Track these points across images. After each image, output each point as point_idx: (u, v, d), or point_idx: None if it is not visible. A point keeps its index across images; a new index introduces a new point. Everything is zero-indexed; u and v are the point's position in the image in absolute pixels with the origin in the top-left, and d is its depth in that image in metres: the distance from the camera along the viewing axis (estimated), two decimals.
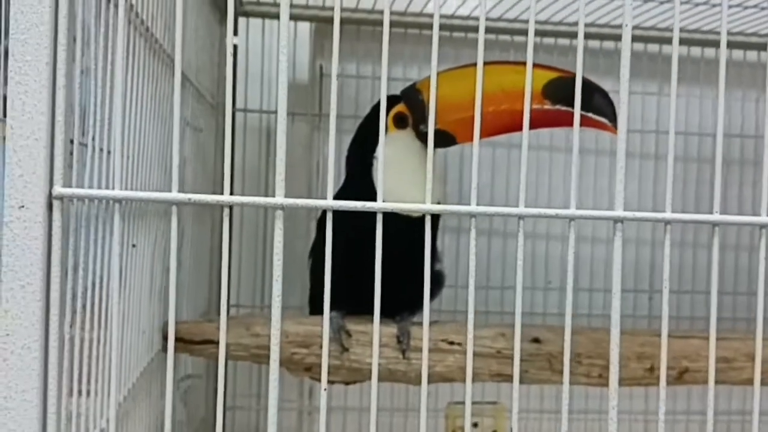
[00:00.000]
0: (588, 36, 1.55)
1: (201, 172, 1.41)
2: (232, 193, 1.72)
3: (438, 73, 1.21)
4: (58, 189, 0.53)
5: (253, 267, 1.63)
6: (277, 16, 1.58)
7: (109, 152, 0.68)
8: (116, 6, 0.60)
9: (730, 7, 1.35)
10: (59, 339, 0.54)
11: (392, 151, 1.19)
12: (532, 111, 1.11)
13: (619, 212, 0.61)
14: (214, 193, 1.57)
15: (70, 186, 0.55)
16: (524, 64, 1.13)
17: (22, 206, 0.52)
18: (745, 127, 1.64)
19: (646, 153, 1.63)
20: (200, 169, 1.42)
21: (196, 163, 1.40)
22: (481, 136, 1.20)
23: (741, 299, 1.65)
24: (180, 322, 1.24)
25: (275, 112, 1.62)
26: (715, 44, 1.59)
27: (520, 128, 1.17)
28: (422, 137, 1.20)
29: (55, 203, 0.54)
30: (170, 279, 0.56)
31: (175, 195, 0.56)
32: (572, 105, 1.11)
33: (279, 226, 0.59)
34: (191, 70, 1.30)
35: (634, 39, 1.60)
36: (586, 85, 1.12)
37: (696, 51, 1.60)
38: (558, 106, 1.12)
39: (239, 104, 1.65)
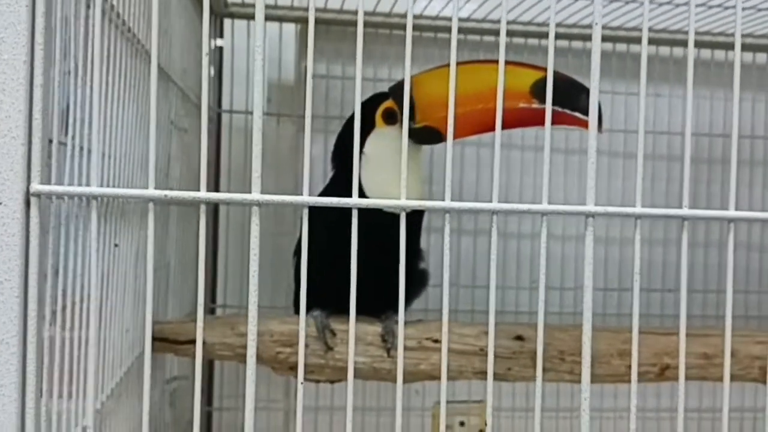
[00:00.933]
0: (567, 36, 1.58)
1: (186, 173, 1.41)
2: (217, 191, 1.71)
3: (426, 71, 1.24)
4: (36, 186, 0.54)
5: (239, 267, 1.63)
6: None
7: (90, 151, 0.68)
8: (93, 5, 0.60)
9: (696, 6, 1.37)
10: (38, 335, 0.55)
11: (380, 147, 1.20)
12: (520, 110, 1.15)
13: (590, 207, 0.62)
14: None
15: (48, 183, 0.56)
16: (512, 63, 1.16)
17: (0, 203, 0.53)
18: (714, 126, 1.67)
19: (615, 151, 1.64)
20: (186, 169, 1.42)
21: (182, 164, 1.41)
22: (470, 133, 1.23)
23: (723, 297, 1.67)
24: (165, 322, 1.24)
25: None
26: (683, 44, 1.61)
27: (509, 125, 1.20)
28: (411, 133, 1.21)
29: (33, 200, 0.54)
30: (147, 277, 0.57)
31: (151, 192, 0.57)
32: (560, 104, 1.14)
33: (255, 222, 0.59)
34: (176, 71, 1.31)
35: (613, 39, 1.62)
36: (575, 85, 1.14)
37: (665, 50, 1.63)
38: (545, 105, 1.13)
39: (225, 105, 1.65)
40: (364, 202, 0.64)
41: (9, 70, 0.53)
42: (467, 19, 1.59)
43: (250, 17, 1.62)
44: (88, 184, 0.58)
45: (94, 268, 0.57)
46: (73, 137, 0.68)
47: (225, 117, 1.66)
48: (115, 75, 0.79)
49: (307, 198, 0.61)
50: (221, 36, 1.66)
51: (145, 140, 1.00)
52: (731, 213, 0.62)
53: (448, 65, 1.20)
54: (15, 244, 0.54)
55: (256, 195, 0.60)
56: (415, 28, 1.66)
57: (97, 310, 0.59)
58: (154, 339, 1.22)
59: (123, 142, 0.92)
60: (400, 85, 1.23)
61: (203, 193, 0.59)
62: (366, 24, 1.68)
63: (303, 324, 0.65)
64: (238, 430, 1.67)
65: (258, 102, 0.60)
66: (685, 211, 0.62)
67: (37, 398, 0.55)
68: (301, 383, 0.63)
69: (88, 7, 0.67)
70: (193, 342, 1.22)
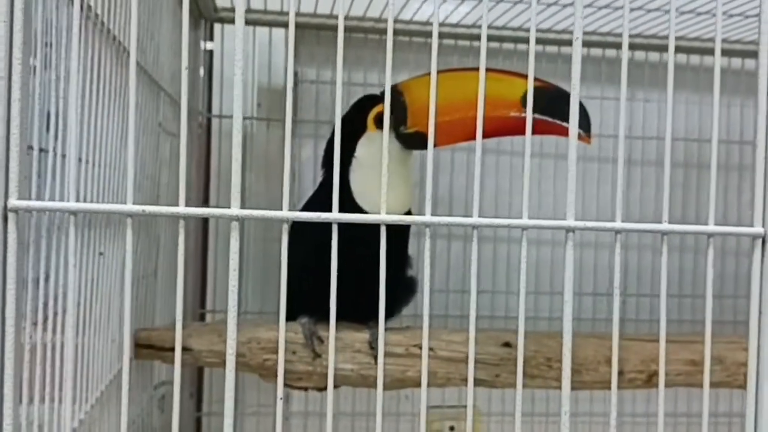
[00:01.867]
0: (557, 42, 1.59)
1: (176, 178, 1.41)
2: (207, 200, 1.71)
3: (419, 77, 1.24)
4: (13, 201, 0.54)
5: (227, 272, 1.63)
6: (252, 23, 1.61)
7: (80, 160, 0.68)
8: (72, 13, 0.60)
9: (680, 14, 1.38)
10: (16, 347, 0.54)
11: (371, 151, 1.20)
12: (512, 119, 1.15)
13: (570, 222, 0.62)
14: (188, 198, 1.57)
15: (26, 198, 0.55)
16: (506, 72, 1.16)
17: None
18: (689, 131, 1.68)
19: (605, 157, 1.65)
20: (175, 174, 1.42)
21: (171, 168, 1.41)
22: (461, 140, 1.23)
23: (701, 302, 1.67)
24: (152, 329, 1.24)
25: (250, 117, 1.65)
26: (659, 48, 1.62)
27: (499, 134, 1.20)
28: (402, 138, 1.21)
29: (10, 215, 0.54)
30: (125, 291, 0.57)
31: (129, 207, 0.57)
32: (551, 114, 1.14)
33: (235, 237, 0.59)
34: (165, 76, 1.31)
35: (589, 44, 1.62)
36: (564, 95, 1.14)
37: (654, 56, 1.63)
38: (536, 115, 1.14)
39: (215, 110, 1.65)
40: (344, 217, 0.64)
41: None
42: (457, 25, 1.59)
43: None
44: (66, 199, 0.58)
45: (72, 283, 0.57)
46: (55, 147, 0.68)
47: (215, 121, 1.66)
48: (98, 83, 0.79)
49: (287, 213, 0.61)
50: (211, 39, 1.65)
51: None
52: (711, 228, 0.63)
53: (440, 71, 1.20)
54: None
55: (235, 210, 0.60)
56: (405, 33, 1.67)
57: (75, 324, 0.58)
58: (142, 346, 1.23)
59: (109, 150, 0.92)
60: (393, 89, 1.22)
61: (182, 209, 0.59)
62: (356, 29, 1.69)
63: (282, 333, 0.64)
64: None
65: (237, 118, 0.60)
66: (665, 226, 0.62)
67: (16, 406, 0.55)
68: (280, 398, 0.62)
69: (67, 12, 0.67)
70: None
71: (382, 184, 0.64)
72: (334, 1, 1.49)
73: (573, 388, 1.26)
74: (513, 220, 0.62)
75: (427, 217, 0.62)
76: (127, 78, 0.95)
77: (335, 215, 0.63)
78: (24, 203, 0.54)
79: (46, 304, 0.69)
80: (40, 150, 0.63)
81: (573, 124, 0.63)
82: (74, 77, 0.55)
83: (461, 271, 1.64)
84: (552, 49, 1.59)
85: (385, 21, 1.58)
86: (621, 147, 0.61)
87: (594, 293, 1.66)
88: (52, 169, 0.67)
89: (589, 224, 0.61)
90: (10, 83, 0.53)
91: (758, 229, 0.62)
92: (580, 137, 1.14)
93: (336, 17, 1.58)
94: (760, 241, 0.63)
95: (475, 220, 0.62)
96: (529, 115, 0.65)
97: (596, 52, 1.62)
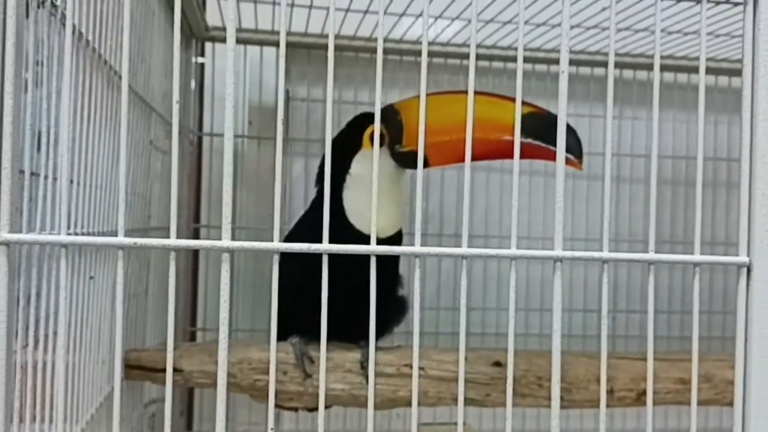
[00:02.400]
0: (545, 61, 1.60)
1: (166, 194, 1.41)
2: (198, 219, 1.71)
3: (415, 97, 1.24)
4: (4, 235, 0.54)
5: (217, 291, 1.63)
6: (242, 42, 1.62)
7: (71, 182, 0.68)
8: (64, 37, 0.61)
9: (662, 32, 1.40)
10: (6, 375, 0.54)
11: (365, 168, 1.20)
12: (505, 142, 1.16)
13: (558, 252, 0.62)
14: (179, 216, 1.57)
15: (17, 231, 0.56)
16: (500, 96, 1.17)
17: None
18: (676, 148, 1.69)
19: (596, 175, 1.66)
20: (165, 191, 1.42)
21: (162, 184, 1.41)
22: (455, 161, 1.24)
23: (689, 318, 1.68)
24: (141, 350, 1.24)
25: (241, 135, 1.65)
26: (646, 67, 1.64)
27: (492, 157, 1.21)
28: (397, 156, 1.22)
29: (1, 248, 0.54)
30: (117, 318, 0.57)
31: (121, 240, 0.57)
32: (543, 139, 1.15)
33: (225, 269, 0.60)
34: (155, 96, 1.31)
35: (583, 64, 1.64)
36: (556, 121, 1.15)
37: (642, 75, 1.65)
38: (529, 140, 1.15)
39: (206, 128, 1.66)
40: (335, 248, 0.64)
41: None
42: (447, 44, 1.60)
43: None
44: (58, 230, 0.58)
45: (63, 309, 0.57)
46: (46, 169, 0.68)
47: (206, 140, 1.66)
48: (89, 105, 0.79)
49: (278, 245, 0.61)
50: (203, 55, 1.66)
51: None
52: (697, 258, 0.63)
53: (438, 93, 1.22)
54: None
55: (226, 242, 0.60)
56: (396, 52, 1.68)
57: (66, 345, 0.58)
58: (132, 367, 1.22)
59: (99, 171, 0.92)
60: (390, 107, 1.24)
61: (173, 241, 0.59)
62: (347, 48, 1.70)
63: (274, 359, 0.65)
64: None
65: (228, 149, 0.61)
66: (651, 255, 0.63)
67: (7, 426, 0.55)
68: (271, 429, 0.63)
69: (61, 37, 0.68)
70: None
71: (373, 205, 0.64)
72: (325, 20, 1.50)
73: (563, 407, 1.27)
74: (502, 250, 0.62)
75: (417, 248, 0.62)
76: (116, 99, 0.96)
77: (326, 246, 0.64)
78: (15, 236, 0.54)
79: (37, 326, 0.69)
80: (32, 174, 0.63)
81: (560, 153, 0.64)
82: (65, 101, 0.55)
83: (452, 288, 1.65)
84: (541, 67, 1.60)
85: (376, 40, 1.59)
86: (607, 177, 0.62)
87: (585, 309, 1.67)
88: (43, 192, 0.68)
89: (577, 254, 0.62)
90: (1, 102, 0.53)
91: (743, 258, 0.63)
92: (570, 162, 1.16)
93: (327, 36, 1.59)
94: (745, 270, 0.63)
95: (464, 250, 0.62)
96: (517, 139, 0.66)
97: (585, 70, 1.63)
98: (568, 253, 0.62)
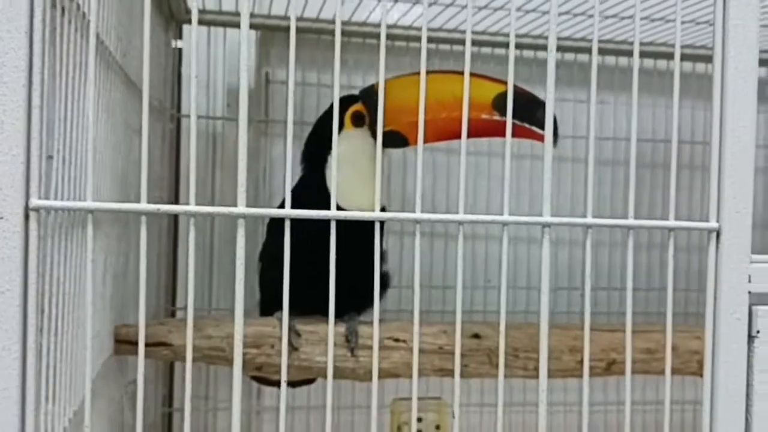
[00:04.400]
0: (526, 47, 1.65)
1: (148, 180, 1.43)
2: (177, 200, 1.73)
3: (395, 78, 1.28)
4: (35, 201, 0.57)
5: (199, 270, 1.66)
6: (221, 24, 1.64)
7: (68, 162, 0.71)
8: (83, 33, 0.63)
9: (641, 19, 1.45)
10: (36, 341, 0.58)
11: (347, 148, 1.24)
12: (482, 121, 1.20)
13: (546, 218, 0.68)
14: (159, 197, 1.59)
15: (46, 198, 0.59)
16: (477, 75, 1.21)
17: (2, 218, 0.56)
18: (656, 132, 1.76)
19: (578, 157, 1.73)
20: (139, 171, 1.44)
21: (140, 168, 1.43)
22: (433, 140, 1.28)
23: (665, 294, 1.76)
24: (130, 325, 1.27)
25: (220, 117, 1.68)
26: (627, 53, 1.70)
27: (470, 135, 1.25)
28: (377, 136, 1.26)
29: (32, 214, 0.57)
30: (141, 282, 0.61)
31: (145, 206, 0.60)
32: (519, 118, 1.20)
33: (241, 234, 0.64)
34: (138, 76, 1.33)
35: (568, 50, 1.70)
36: (532, 99, 1.20)
37: (624, 61, 1.72)
38: (505, 118, 1.19)
39: (184, 110, 1.68)
40: (342, 215, 0.68)
41: (9, 92, 0.56)
42: (438, 29, 1.64)
43: (210, 23, 1.65)
44: (78, 198, 0.61)
45: (90, 281, 0.61)
46: (59, 151, 0.71)
47: (184, 121, 1.68)
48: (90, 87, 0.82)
49: (290, 211, 0.65)
50: (180, 38, 1.68)
51: (113, 147, 1.03)
52: (671, 223, 0.69)
53: (416, 73, 1.26)
54: (16, 257, 0.57)
55: (242, 208, 0.64)
56: (387, 37, 1.71)
57: (92, 322, 0.62)
58: (121, 341, 1.25)
59: (96, 152, 0.95)
60: (368, 89, 1.28)
61: (192, 207, 0.63)
62: (326, 32, 1.72)
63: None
64: (200, 430, 1.70)
65: (243, 121, 0.64)
66: (631, 221, 0.69)
67: (37, 402, 0.58)
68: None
69: (71, 25, 0.71)
70: (159, 344, 1.26)
71: (372, 177, 0.68)
72: (305, 4, 1.53)
73: (537, 377, 1.34)
74: (495, 216, 0.67)
75: (417, 214, 0.67)
76: (108, 76, 0.98)
77: (333, 213, 0.68)
78: (45, 202, 0.58)
79: (50, 301, 0.72)
80: (48, 157, 0.66)
81: (548, 129, 0.69)
82: (91, 93, 0.58)
83: (442, 268, 1.70)
84: (528, 53, 1.65)
85: (358, 24, 1.62)
86: (591, 148, 0.67)
87: (569, 287, 1.73)
88: (56, 175, 0.70)
89: (564, 220, 0.67)
90: (30, 90, 0.56)
91: (713, 224, 0.69)
92: (537, 136, 1.21)
93: (307, 20, 1.62)
94: (714, 235, 0.69)
95: (461, 216, 0.67)
96: (509, 121, 0.70)
97: (570, 56, 1.69)
98: (555, 219, 0.67)
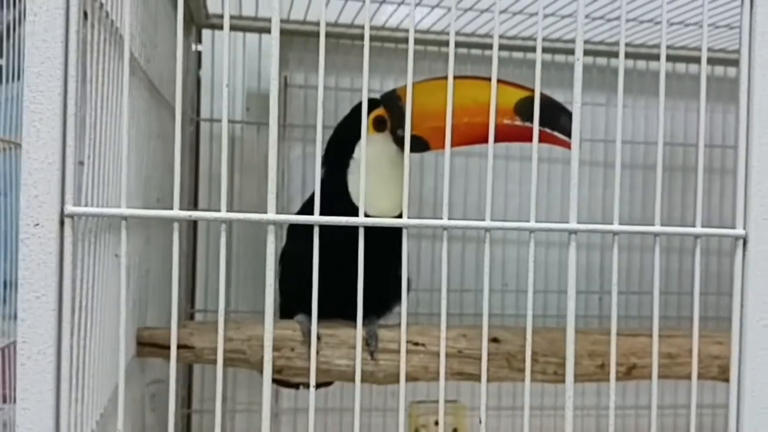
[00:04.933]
0: (554, 51, 1.65)
1: (168, 180, 1.44)
2: (197, 203, 1.75)
3: (417, 83, 1.29)
4: (70, 207, 0.58)
5: (218, 272, 1.66)
6: (241, 29, 1.65)
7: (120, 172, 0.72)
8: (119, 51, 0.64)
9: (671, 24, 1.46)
10: (70, 345, 0.59)
11: (369, 153, 1.25)
12: (505, 126, 1.21)
13: (573, 225, 0.68)
14: (180, 201, 1.59)
15: (79, 205, 0.60)
16: (500, 81, 1.21)
17: (38, 224, 0.57)
18: (674, 135, 1.76)
19: (596, 161, 1.73)
20: (167, 177, 1.45)
21: (164, 172, 1.44)
22: (455, 145, 1.28)
23: (686, 299, 1.75)
24: (154, 328, 1.28)
25: (239, 121, 1.69)
26: (651, 57, 1.69)
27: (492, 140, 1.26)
28: (399, 141, 1.26)
29: (67, 221, 0.58)
30: (173, 287, 0.61)
31: (177, 213, 0.61)
32: (542, 123, 1.19)
33: (271, 240, 0.64)
34: (160, 81, 1.35)
35: (585, 53, 1.70)
36: (554, 105, 1.20)
37: (642, 64, 1.71)
38: (527, 123, 1.20)
39: (205, 114, 1.69)
40: (370, 222, 0.69)
41: (46, 100, 0.57)
42: (457, 33, 1.65)
43: (230, 28, 1.66)
44: (108, 204, 0.62)
45: (124, 286, 0.62)
46: (89, 157, 0.72)
47: (205, 125, 1.69)
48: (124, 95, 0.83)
49: (318, 218, 0.66)
50: (200, 42, 1.69)
51: (138, 152, 1.04)
52: (698, 230, 0.70)
53: (437, 78, 1.26)
54: (51, 262, 0.58)
55: (272, 215, 0.65)
56: (399, 41, 1.72)
57: (126, 326, 0.63)
58: (145, 344, 1.26)
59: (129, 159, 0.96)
60: (389, 94, 1.28)
61: (223, 213, 0.64)
62: (344, 36, 1.73)
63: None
64: None
65: (272, 133, 0.65)
66: (658, 228, 0.69)
67: (71, 405, 0.59)
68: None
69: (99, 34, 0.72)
70: (182, 347, 1.27)
71: (397, 185, 0.69)
72: (324, 9, 1.54)
73: (557, 381, 1.34)
74: (522, 223, 0.68)
75: (445, 221, 0.68)
76: (136, 86, 0.99)
77: (362, 219, 0.68)
78: (80, 209, 0.58)
79: (81, 306, 0.72)
80: (79, 163, 0.67)
81: (575, 135, 0.69)
82: (126, 106, 0.59)
83: (459, 271, 1.70)
84: (546, 56, 1.65)
85: (376, 28, 1.63)
86: (618, 153, 0.68)
87: (587, 291, 1.73)
88: (86, 178, 0.71)
89: (590, 227, 0.68)
90: (65, 99, 0.57)
91: (740, 231, 0.69)
92: (568, 145, 1.21)
93: (326, 24, 1.62)
94: (741, 242, 0.70)
95: (488, 223, 0.68)
96: (536, 127, 0.71)
97: (588, 60, 1.69)
98: (582, 226, 0.67)
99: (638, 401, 1.74)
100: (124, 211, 0.60)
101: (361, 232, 0.72)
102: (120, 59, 0.79)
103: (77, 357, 0.68)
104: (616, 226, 0.68)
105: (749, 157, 0.69)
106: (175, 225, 0.62)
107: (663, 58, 0.68)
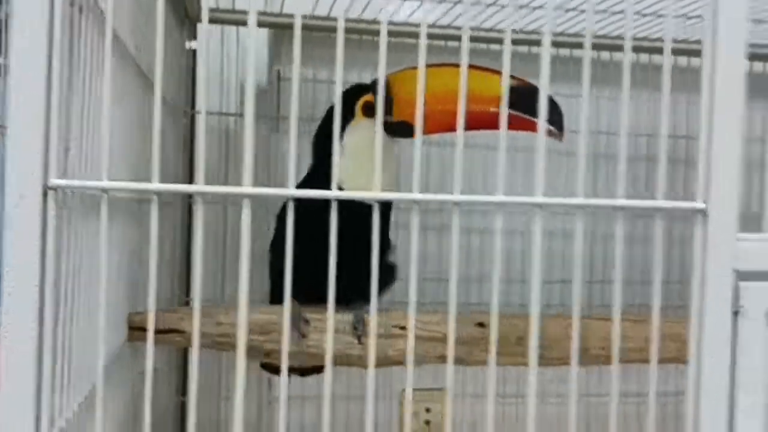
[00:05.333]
0: (521, 42, 1.68)
1: (163, 173, 1.47)
2: (191, 195, 1.77)
3: (403, 70, 1.31)
4: (53, 180, 0.61)
5: (212, 261, 1.69)
6: (234, 23, 1.68)
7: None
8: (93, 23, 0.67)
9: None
10: (53, 320, 0.61)
11: (357, 138, 1.27)
12: (491, 113, 1.22)
13: (539, 198, 0.71)
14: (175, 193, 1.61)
15: (63, 178, 0.62)
16: (487, 69, 1.23)
17: (22, 196, 0.60)
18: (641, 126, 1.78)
19: (573, 151, 1.75)
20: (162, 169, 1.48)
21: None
22: (443, 130, 1.30)
23: (650, 289, 1.77)
24: (143, 313, 1.30)
25: (233, 114, 1.72)
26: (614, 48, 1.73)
27: (480, 127, 1.28)
28: (387, 127, 1.28)
29: (50, 193, 0.61)
30: (151, 265, 0.64)
31: (156, 185, 0.64)
32: (528, 111, 1.22)
33: (246, 213, 0.67)
34: (150, 69, 1.37)
35: (564, 46, 1.72)
36: (538, 93, 1.23)
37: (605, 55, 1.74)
38: (512, 112, 1.22)
39: (198, 107, 1.72)
40: (343, 195, 0.71)
41: (30, 77, 0.59)
42: (447, 26, 1.68)
43: (223, 22, 1.69)
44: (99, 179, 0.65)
45: (104, 261, 0.64)
46: (75, 139, 0.74)
47: (198, 118, 1.72)
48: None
49: (292, 191, 0.68)
50: (195, 38, 1.72)
51: (125, 135, 1.07)
52: (659, 203, 0.72)
53: (429, 66, 1.28)
54: (34, 233, 0.60)
55: (247, 188, 0.67)
56: (396, 34, 1.75)
57: (105, 305, 0.65)
58: (136, 329, 1.28)
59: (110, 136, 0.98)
60: (378, 81, 1.30)
61: (200, 186, 0.66)
62: (335, 30, 1.75)
63: (287, 315, 0.72)
64: (212, 419, 1.73)
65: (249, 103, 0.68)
66: (620, 201, 0.71)
67: (53, 372, 0.62)
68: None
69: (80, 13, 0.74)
70: (172, 331, 1.29)
71: (377, 162, 0.71)
72: (315, 3, 1.57)
73: (542, 364, 1.36)
74: (491, 197, 0.70)
75: (416, 195, 0.70)
76: (120, 65, 1.01)
77: (334, 193, 0.71)
78: (63, 182, 0.61)
79: (64, 283, 0.74)
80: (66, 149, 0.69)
81: (542, 113, 0.72)
82: (107, 86, 0.62)
83: (437, 260, 1.72)
84: (523, 49, 1.68)
85: (366, 21, 1.65)
86: (583, 138, 0.70)
87: (562, 281, 1.75)
88: (72, 161, 0.74)
89: (556, 200, 0.71)
90: (50, 75, 0.60)
91: (699, 204, 0.72)
92: (552, 134, 1.24)
93: (317, 18, 1.65)
94: (700, 215, 0.72)
95: (456, 197, 0.70)
96: (504, 111, 0.73)
97: (565, 52, 1.72)
98: (548, 200, 0.70)
99: (601, 389, 1.74)
100: (105, 183, 0.63)
101: (334, 206, 0.74)
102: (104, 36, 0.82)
103: (61, 334, 0.69)
104: (581, 200, 0.71)
105: (710, 132, 0.72)
106: (154, 198, 0.65)
107: (628, 48, 0.70)
